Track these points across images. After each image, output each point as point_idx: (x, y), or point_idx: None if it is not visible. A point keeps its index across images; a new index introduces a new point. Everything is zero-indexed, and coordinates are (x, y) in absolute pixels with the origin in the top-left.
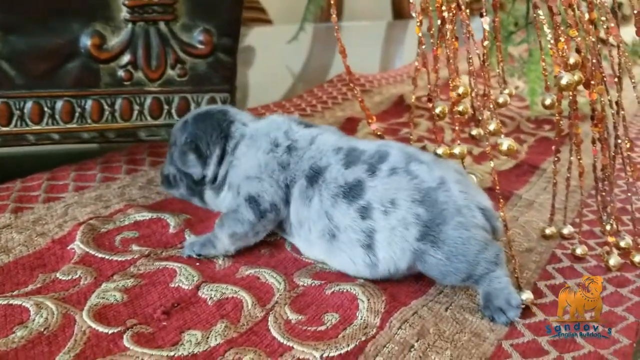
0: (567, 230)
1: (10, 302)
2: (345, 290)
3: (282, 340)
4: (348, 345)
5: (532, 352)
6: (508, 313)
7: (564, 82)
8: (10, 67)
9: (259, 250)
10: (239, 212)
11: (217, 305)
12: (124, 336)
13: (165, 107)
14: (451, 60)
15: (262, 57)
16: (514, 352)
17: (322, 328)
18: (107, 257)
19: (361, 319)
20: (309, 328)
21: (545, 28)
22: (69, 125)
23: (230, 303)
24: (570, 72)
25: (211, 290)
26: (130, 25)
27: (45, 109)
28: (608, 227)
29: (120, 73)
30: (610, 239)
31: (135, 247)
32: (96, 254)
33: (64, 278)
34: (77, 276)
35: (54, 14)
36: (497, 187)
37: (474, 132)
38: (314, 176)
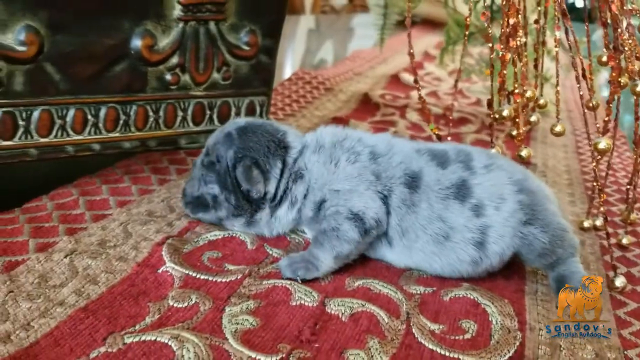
0: (599, 222)
1: (142, 338)
2: (461, 296)
3: (443, 352)
4: (509, 352)
5: None
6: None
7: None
8: (55, 70)
9: None
10: (341, 230)
11: (353, 321)
12: None
13: (208, 112)
14: (521, 67)
15: None
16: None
17: (468, 336)
18: (210, 278)
19: (497, 323)
20: (457, 337)
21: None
22: (111, 135)
23: (363, 317)
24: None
25: (338, 305)
26: (181, 25)
27: (89, 116)
28: (632, 217)
29: (168, 77)
30: None
31: (230, 267)
32: (197, 276)
33: (179, 305)
34: (192, 302)
35: (106, 11)
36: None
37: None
38: (413, 182)
